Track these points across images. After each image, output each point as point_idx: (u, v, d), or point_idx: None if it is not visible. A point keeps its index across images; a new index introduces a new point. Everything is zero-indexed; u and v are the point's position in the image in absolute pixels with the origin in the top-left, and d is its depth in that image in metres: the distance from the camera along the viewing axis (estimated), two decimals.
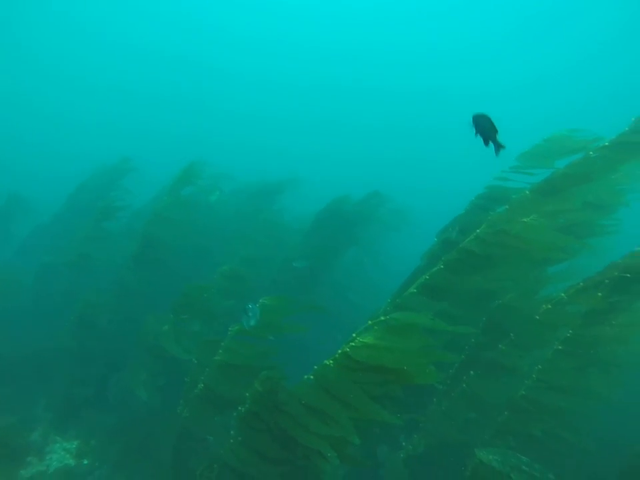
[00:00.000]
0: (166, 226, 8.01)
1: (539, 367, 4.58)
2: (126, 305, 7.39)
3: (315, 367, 3.39)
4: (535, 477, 3.86)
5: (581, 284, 4.25)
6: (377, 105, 38.69)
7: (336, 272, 10.95)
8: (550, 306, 4.41)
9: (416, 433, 5.13)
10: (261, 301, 4.51)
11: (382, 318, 3.61)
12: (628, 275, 4.00)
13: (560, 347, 4.47)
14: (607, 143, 4.28)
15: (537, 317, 4.46)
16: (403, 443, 5.06)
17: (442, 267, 4.64)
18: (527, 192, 4.42)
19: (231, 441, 3.67)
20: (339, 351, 3.37)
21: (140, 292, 7.58)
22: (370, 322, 3.64)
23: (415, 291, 4.69)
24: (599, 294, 4.17)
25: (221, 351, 4.29)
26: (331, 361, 3.35)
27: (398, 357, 3.21)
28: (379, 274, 12.07)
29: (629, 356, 6.22)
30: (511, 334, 4.68)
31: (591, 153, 4.27)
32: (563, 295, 4.35)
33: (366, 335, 3.38)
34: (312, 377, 3.35)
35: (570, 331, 4.39)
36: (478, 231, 4.57)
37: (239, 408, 3.63)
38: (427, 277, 4.65)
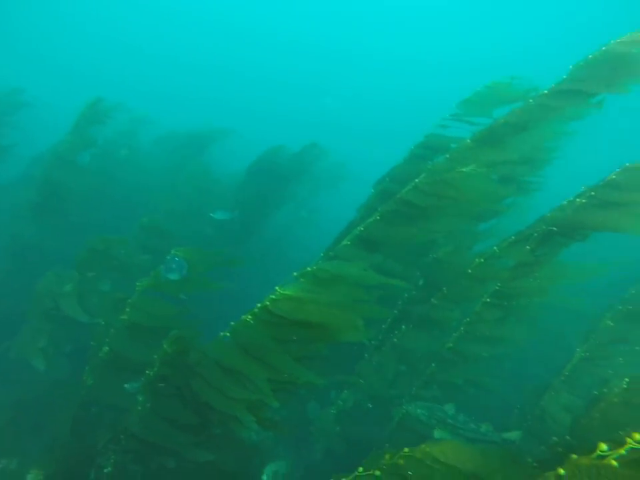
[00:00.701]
0: (71, 171, 6.92)
1: (467, 319, 4.58)
2: (21, 262, 6.39)
3: (232, 323, 3.00)
4: (457, 428, 3.89)
5: (513, 237, 4.20)
6: (316, 58, 37.23)
7: (270, 227, 10.49)
8: (483, 260, 4.34)
9: (346, 388, 5.02)
10: (172, 251, 3.96)
11: (309, 269, 3.26)
12: (554, 228, 3.99)
13: (488, 300, 4.47)
14: (546, 91, 4.15)
15: (470, 271, 4.39)
16: (337, 400, 4.94)
17: (378, 218, 4.37)
18: (468, 140, 4.21)
19: (139, 408, 3.23)
20: (258, 305, 3.00)
21: (39, 247, 6.58)
22: (296, 274, 3.28)
23: (349, 243, 4.39)
24: (528, 247, 4.15)
25: (128, 309, 3.73)
26: (250, 316, 2.97)
27: (324, 311, 2.92)
28: (317, 229, 11.83)
29: (544, 307, 6.55)
30: (444, 288, 4.60)
31: (531, 100, 4.12)
32: (495, 248, 4.29)
33: (289, 287, 3.02)
34: (228, 334, 2.96)
35: (498, 284, 4.38)
36: (417, 180, 4.32)
37: (147, 372, 3.16)
38: (362, 229, 4.36)
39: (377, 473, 2.48)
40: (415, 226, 4.30)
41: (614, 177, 3.80)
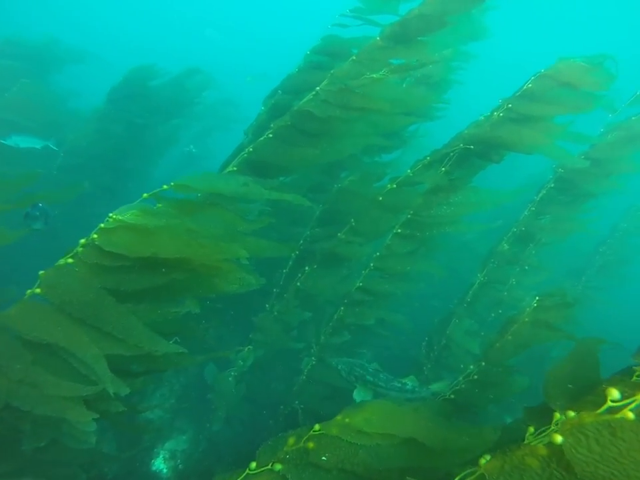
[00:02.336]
0: None
1: (377, 254, 4.07)
2: None
3: (41, 272, 1.94)
4: (379, 386, 3.48)
5: (428, 158, 3.67)
6: None
7: (147, 174, 8.81)
8: (395, 185, 3.77)
9: (244, 344, 4.29)
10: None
11: (165, 187, 2.29)
12: (471, 147, 3.54)
13: (399, 230, 3.99)
14: None
15: (380, 199, 3.80)
16: (236, 360, 4.17)
17: (270, 135, 3.46)
18: (378, 39, 3.43)
19: None
20: (82, 241, 1.99)
21: None
22: (146, 194, 2.29)
23: (235, 169, 3.43)
24: (443, 169, 3.67)
25: None
26: (70, 258, 1.96)
27: (187, 243, 2.04)
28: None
29: (455, 236, 6.48)
30: (352, 220, 3.98)
31: None
32: (409, 171, 3.73)
33: (130, 210, 2.05)
34: (38, 289, 1.92)
35: (410, 212, 3.88)
36: (318, 88, 3.45)
37: None
38: (251, 150, 3.42)
39: (278, 466, 1.80)
40: (316, 145, 3.49)
41: (530, 85, 3.40)
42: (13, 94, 6.99)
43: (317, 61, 4.15)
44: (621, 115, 4.29)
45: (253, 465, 1.83)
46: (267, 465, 1.80)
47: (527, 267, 4.90)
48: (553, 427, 1.84)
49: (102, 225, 1.95)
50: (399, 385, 3.50)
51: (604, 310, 6.77)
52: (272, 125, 3.48)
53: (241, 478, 1.73)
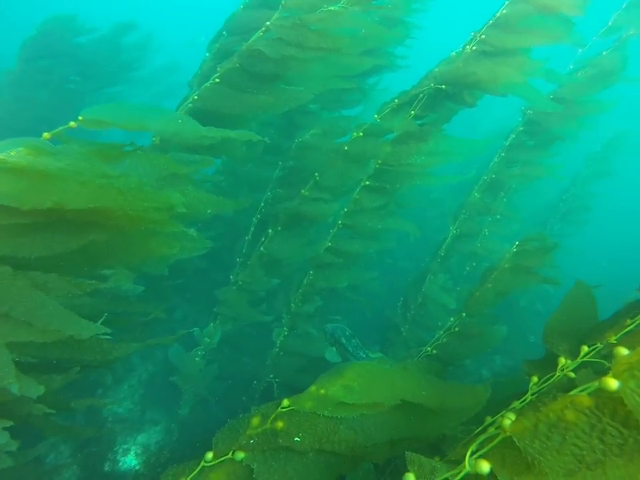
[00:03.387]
0: None
1: (345, 209, 3.77)
2: None
3: None
4: (348, 352, 3.28)
5: (396, 101, 3.33)
6: None
7: None
8: (361, 133, 3.42)
9: (212, 321, 3.93)
10: None
11: (71, 123, 1.82)
12: (443, 87, 3.23)
13: (367, 183, 3.68)
14: None
15: (346, 148, 3.45)
16: (201, 338, 3.81)
17: (217, 80, 2.99)
18: None
19: None
20: None
21: None
22: (46, 134, 1.82)
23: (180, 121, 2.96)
24: (412, 112, 3.35)
25: None
26: None
27: (104, 190, 1.61)
28: None
29: (423, 194, 6.26)
30: (316, 174, 3.63)
31: None
32: (375, 116, 3.39)
33: (17, 147, 1.60)
34: None
35: (379, 162, 3.57)
36: (268, 23, 2.99)
37: None
38: (196, 97, 2.95)
39: (240, 455, 1.50)
40: (270, 92, 3.07)
41: (504, 11, 3.10)
42: None
43: None
44: (590, 51, 4.11)
45: (209, 455, 1.53)
46: (227, 454, 1.49)
47: (498, 217, 4.77)
48: (558, 374, 1.64)
49: None
50: (364, 355, 3.33)
51: (566, 256, 6.89)
52: (218, 68, 3.01)
53: (194, 473, 1.42)
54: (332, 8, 2.99)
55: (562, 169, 5.20)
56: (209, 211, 2.15)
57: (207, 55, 3.77)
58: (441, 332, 3.34)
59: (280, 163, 4.17)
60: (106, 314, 1.75)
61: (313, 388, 1.64)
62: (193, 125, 2.02)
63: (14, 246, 1.52)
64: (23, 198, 1.44)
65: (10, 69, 5.90)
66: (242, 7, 3.66)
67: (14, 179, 1.45)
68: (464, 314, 3.32)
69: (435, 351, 3.21)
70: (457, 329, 3.29)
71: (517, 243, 3.30)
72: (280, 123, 4.58)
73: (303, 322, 3.92)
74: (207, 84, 2.99)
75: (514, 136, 4.55)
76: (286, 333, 3.89)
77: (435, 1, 5.02)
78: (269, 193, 4.21)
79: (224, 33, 3.62)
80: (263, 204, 4.20)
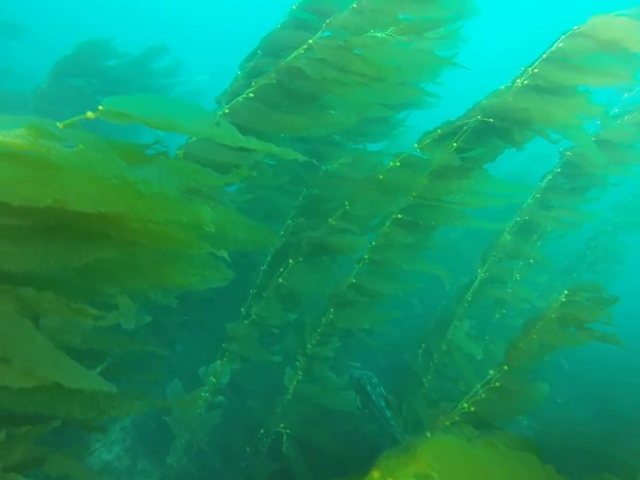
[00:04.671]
0: None
1: (373, 243, 3.47)
2: None
3: None
4: (370, 400, 2.91)
5: (439, 131, 3.10)
6: None
7: None
8: (398, 163, 3.18)
9: (219, 358, 3.55)
10: None
11: (89, 113, 1.49)
12: (491, 120, 3.01)
13: (399, 216, 3.41)
14: None
15: (381, 177, 3.20)
16: (207, 377, 3.41)
17: (252, 95, 2.79)
18: None
19: None
20: None
21: None
22: (59, 124, 1.51)
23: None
24: (454, 144, 3.12)
25: None
26: None
27: (120, 191, 1.29)
28: None
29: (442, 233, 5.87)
30: (346, 203, 3.36)
31: None
32: (415, 146, 3.16)
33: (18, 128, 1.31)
34: None
35: (414, 194, 3.31)
36: (311, 41, 2.82)
37: None
38: (227, 111, 2.74)
39: None
40: (306, 113, 2.86)
41: (561, 44, 2.92)
42: None
43: (303, 19, 3.52)
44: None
45: None
46: None
47: (531, 261, 4.45)
48: None
49: None
50: (384, 404, 2.97)
51: None
52: (253, 83, 2.81)
53: None
54: (378, 35, 2.82)
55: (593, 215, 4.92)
56: (238, 235, 1.83)
57: (239, 73, 3.62)
58: (479, 386, 2.96)
59: (304, 190, 3.93)
60: (109, 359, 1.42)
61: (375, 475, 1.26)
62: (231, 130, 1.76)
63: None
64: (14, 189, 1.13)
65: (39, 85, 5.96)
66: (279, 26, 3.54)
67: (5, 164, 1.16)
68: (505, 367, 2.95)
69: (472, 408, 2.82)
70: (497, 383, 2.90)
71: (565, 291, 2.97)
72: (302, 151, 4.39)
73: (319, 366, 3.54)
74: (240, 98, 2.79)
75: (550, 177, 4.31)
76: (300, 377, 3.50)
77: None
78: (290, 221, 3.94)
79: (259, 52, 3.47)
80: (282, 232, 3.93)
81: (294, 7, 3.51)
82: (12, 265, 1.18)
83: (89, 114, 1.33)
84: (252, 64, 3.39)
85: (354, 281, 3.48)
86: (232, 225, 1.81)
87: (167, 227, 1.36)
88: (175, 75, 7.83)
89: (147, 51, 7.05)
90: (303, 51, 2.82)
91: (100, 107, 1.37)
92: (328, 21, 2.79)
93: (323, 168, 3.84)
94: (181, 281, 1.66)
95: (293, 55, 2.84)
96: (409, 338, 4.82)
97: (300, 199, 3.90)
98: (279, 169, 3.84)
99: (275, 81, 2.79)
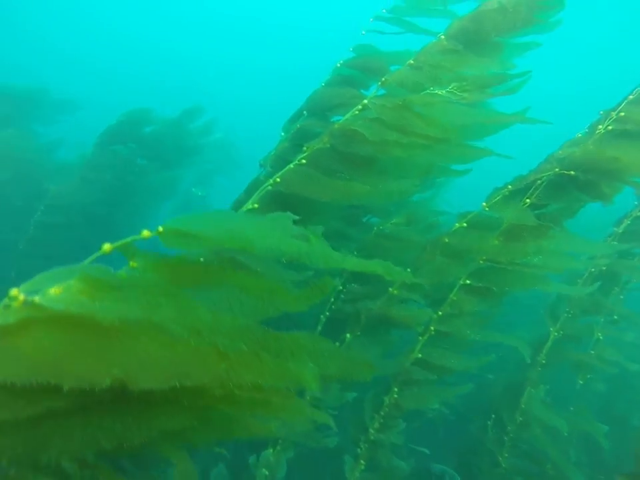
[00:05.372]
0: None
1: (439, 313, 3.10)
2: None
3: None
4: None
5: (509, 187, 2.78)
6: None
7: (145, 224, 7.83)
8: (465, 224, 2.86)
9: (271, 446, 3.17)
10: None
11: (145, 232, 1.24)
12: (572, 173, 2.67)
13: (468, 282, 3.04)
14: None
15: (447, 240, 2.88)
16: (258, 470, 3.03)
17: (304, 161, 2.58)
18: (442, 37, 2.64)
19: None
20: None
21: None
22: (107, 245, 1.26)
23: (256, 205, 2.52)
24: (528, 200, 2.78)
25: None
26: None
27: (198, 355, 0.99)
28: None
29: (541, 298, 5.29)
30: (409, 270, 3.03)
31: None
32: (483, 204, 2.84)
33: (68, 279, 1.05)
34: None
35: (483, 258, 2.95)
36: (366, 101, 2.62)
37: None
38: (278, 180, 2.52)
39: None
40: (365, 178, 2.61)
41: None
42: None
43: (348, 75, 3.37)
44: None
45: None
46: None
47: (615, 317, 3.93)
48: None
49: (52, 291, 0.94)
50: None
51: None
52: (305, 148, 2.60)
53: None
54: (439, 92, 2.59)
55: None
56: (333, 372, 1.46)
57: (283, 134, 3.47)
58: None
59: (355, 253, 3.64)
60: None
61: None
62: (324, 247, 1.51)
63: (32, 441, 0.92)
64: (63, 367, 0.89)
65: (84, 153, 6.18)
66: (323, 84, 3.40)
67: (51, 333, 0.92)
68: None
69: None
70: None
71: None
72: (350, 208, 4.15)
73: (385, 454, 3.09)
74: (292, 165, 2.57)
75: (629, 222, 3.86)
76: (363, 467, 3.06)
77: None
78: (341, 287, 3.63)
79: (304, 112, 3.31)
80: (333, 299, 3.61)
81: (338, 65, 3.37)
82: (54, 450, 0.91)
83: (145, 233, 1.10)
84: (298, 125, 3.23)
85: (419, 355, 3.09)
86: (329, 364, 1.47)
87: (258, 391, 1.09)
88: (210, 133, 8.00)
89: (184, 113, 7.25)
90: (357, 112, 2.61)
91: (160, 228, 1.15)
92: (383, 78, 2.59)
93: (375, 228, 3.56)
94: (257, 430, 1.36)
95: (346, 117, 2.64)
96: (473, 405, 4.29)
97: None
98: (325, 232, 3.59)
99: (328, 145, 2.57)
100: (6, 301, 0.90)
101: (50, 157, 7.25)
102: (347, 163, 2.58)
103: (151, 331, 0.97)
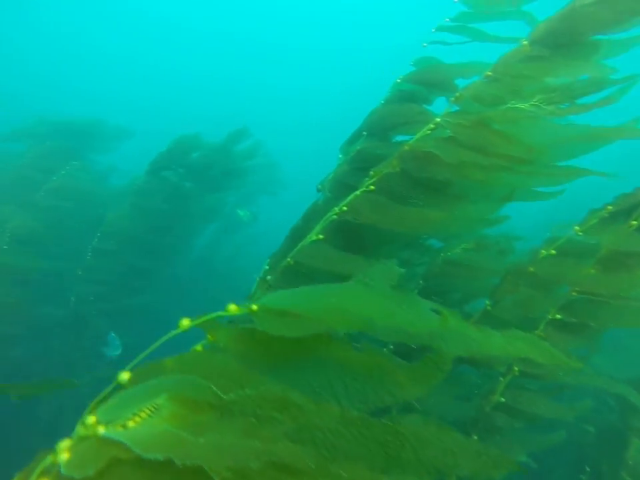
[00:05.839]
0: None
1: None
2: None
3: None
4: None
5: (610, 207, 2.42)
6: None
7: (194, 249, 7.96)
8: (554, 251, 2.51)
9: None
10: None
11: (232, 307, 1.03)
12: None
13: (557, 317, 2.66)
14: None
15: (532, 269, 2.54)
16: None
17: (372, 187, 2.35)
18: (525, 42, 2.36)
19: None
20: None
21: None
22: (198, 347, 1.07)
23: (321, 237, 2.32)
24: (634, 222, 2.40)
25: None
26: None
27: None
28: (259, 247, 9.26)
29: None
30: (487, 303, 2.71)
31: None
32: (576, 228, 2.49)
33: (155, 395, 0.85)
34: None
35: (576, 289, 2.58)
36: (439, 119, 2.37)
37: None
38: (345, 209, 2.31)
39: None
40: (441, 204, 2.34)
41: None
42: (61, 177, 6.61)
43: (409, 91, 3.14)
44: None
45: None
46: None
47: None
48: None
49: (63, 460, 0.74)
50: None
51: None
52: (371, 173, 2.38)
53: None
54: (522, 105, 2.30)
55: None
56: None
57: (341, 157, 3.28)
58: None
59: (420, 282, 3.34)
60: None
61: None
62: (467, 328, 1.27)
63: None
64: None
65: (135, 180, 6.34)
66: (382, 102, 3.19)
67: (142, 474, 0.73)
68: None
69: None
70: None
71: None
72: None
73: None
74: (359, 192, 2.35)
75: None
76: None
77: None
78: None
79: (364, 132, 3.11)
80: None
81: (398, 80, 3.16)
82: None
83: (232, 308, 0.91)
84: (358, 148, 3.02)
85: (502, 399, 2.72)
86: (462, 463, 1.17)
87: None
88: (255, 155, 8.05)
89: (230, 136, 7.33)
90: (429, 131, 2.37)
91: (253, 306, 0.96)
92: (458, 93, 2.34)
93: (442, 254, 3.26)
94: None
95: (416, 137, 2.40)
96: (560, 455, 3.78)
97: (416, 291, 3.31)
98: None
99: (398, 169, 2.34)
100: (81, 429, 0.72)
101: (104, 184, 7.52)
102: (419, 187, 2.33)
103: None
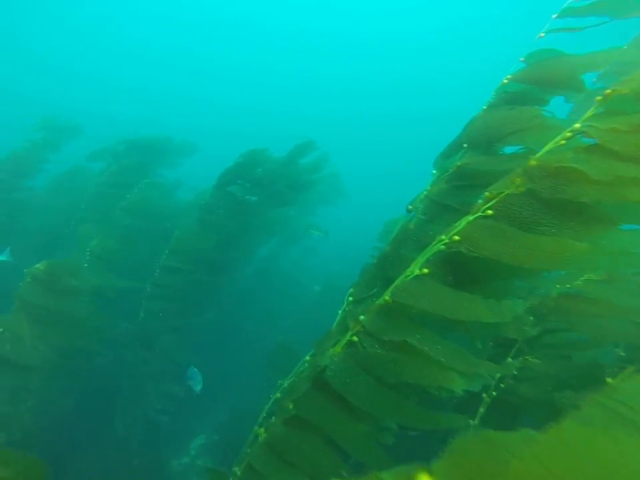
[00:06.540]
0: None
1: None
2: None
3: None
4: None
5: None
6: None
7: (257, 262, 7.89)
8: None
9: None
10: None
11: None
12: None
13: None
14: None
15: None
16: None
17: (489, 212, 1.91)
18: None
19: None
20: None
21: None
22: None
23: (426, 271, 1.91)
24: None
25: None
26: None
27: None
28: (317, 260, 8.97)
29: None
30: (619, 351, 2.15)
31: None
32: None
33: None
34: None
35: None
36: (578, 125, 1.89)
37: None
38: (457, 238, 1.88)
39: None
40: (581, 233, 1.85)
41: None
42: (134, 194, 6.81)
43: (518, 92, 2.66)
44: None
45: None
46: None
47: None
48: None
49: None
50: None
51: None
52: (487, 194, 1.94)
53: None
54: None
55: None
56: None
57: (434, 172, 2.85)
58: None
59: (531, 318, 2.81)
60: None
61: None
62: None
63: None
64: None
65: (203, 195, 6.34)
66: (485, 108, 2.73)
67: None
68: None
69: None
70: None
71: None
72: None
73: None
74: (472, 218, 1.92)
75: None
76: None
77: None
78: (510, 360, 2.82)
79: (463, 144, 2.66)
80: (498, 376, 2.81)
81: (505, 81, 2.68)
82: None
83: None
84: (458, 163, 2.58)
85: None
86: None
87: None
88: (321, 169, 7.81)
89: (295, 149, 7.15)
90: (564, 141, 1.89)
91: None
92: (607, 91, 1.83)
93: (559, 286, 2.72)
94: None
95: (546, 149, 1.93)
96: None
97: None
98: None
99: (523, 189, 1.88)
100: None
101: (171, 199, 7.64)
102: (552, 212, 1.85)
103: None
